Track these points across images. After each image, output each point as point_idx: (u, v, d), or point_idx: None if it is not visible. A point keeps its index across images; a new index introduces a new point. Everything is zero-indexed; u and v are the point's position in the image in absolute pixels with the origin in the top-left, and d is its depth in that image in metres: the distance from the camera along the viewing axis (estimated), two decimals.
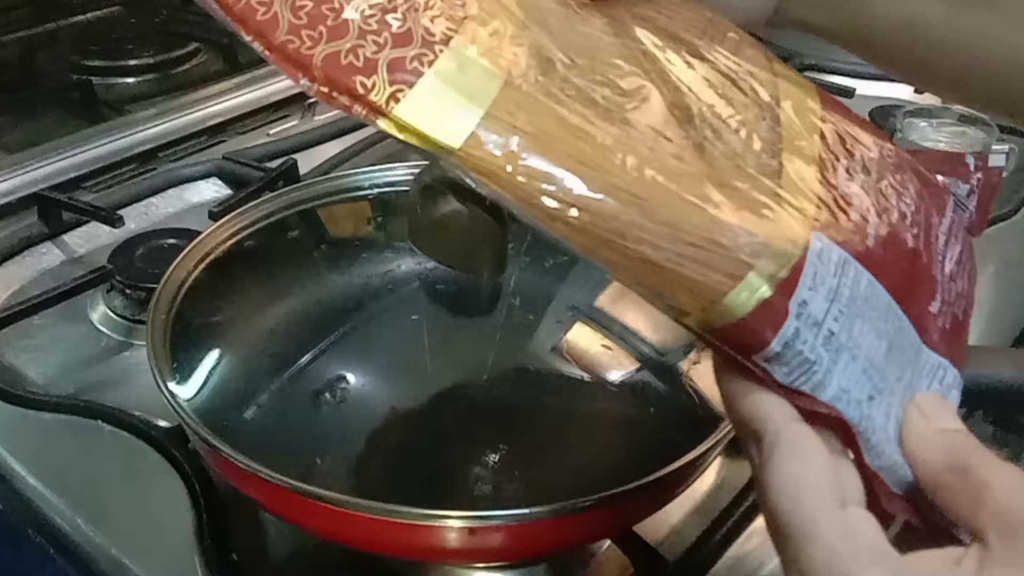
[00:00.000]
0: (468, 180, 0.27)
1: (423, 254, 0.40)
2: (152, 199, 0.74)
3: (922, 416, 0.29)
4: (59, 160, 0.75)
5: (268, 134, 0.84)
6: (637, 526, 0.44)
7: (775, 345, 0.26)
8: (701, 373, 0.49)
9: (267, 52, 0.27)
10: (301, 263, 0.57)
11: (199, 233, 0.53)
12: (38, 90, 0.90)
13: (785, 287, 0.26)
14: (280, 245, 0.56)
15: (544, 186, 0.26)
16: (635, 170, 0.27)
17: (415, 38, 0.27)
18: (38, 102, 0.88)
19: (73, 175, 0.75)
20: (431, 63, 0.27)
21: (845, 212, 0.29)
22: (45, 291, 0.60)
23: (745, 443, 0.28)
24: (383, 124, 0.27)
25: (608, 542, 0.47)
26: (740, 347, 0.27)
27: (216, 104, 0.85)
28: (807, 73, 1.01)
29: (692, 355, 0.50)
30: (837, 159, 0.31)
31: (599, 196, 0.26)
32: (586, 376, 0.51)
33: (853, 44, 0.44)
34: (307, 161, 0.76)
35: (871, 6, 0.42)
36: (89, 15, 0.97)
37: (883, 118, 0.90)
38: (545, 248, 0.52)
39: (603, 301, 0.54)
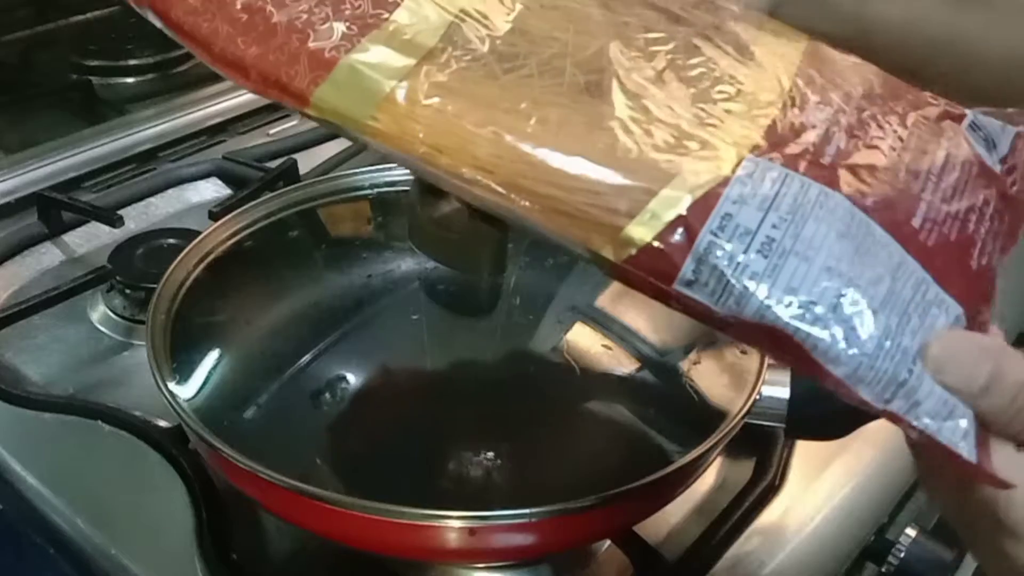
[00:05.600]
0: (382, 151, 0.30)
1: (423, 254, 0.40)
2: (152, 199, 0.74)
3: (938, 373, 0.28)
4: (59, 160, 0.75)
5: (268, 134, 0.84)
6: (637, 526, 0.44)
7: (689, 262, 0.27)
8: (701, 373, 0.49)
9: (211, 61, 0.33)
10: (301, 263, 0.57)
11: (199, 233, 0.53)
12: (38, 90, 0.90)
13: (699, 206, 0.27)
14: (280, 245, 0.56)
15: (447, 154, 0.30)
16: (537, 118, 0.30)
17: (335, 33, 0.32)
18: (38, 102, 0.88)
19: (73, 175, 0.75)
20: (348, 51, 0.31)
21: (797, 137, 0.30)
22: (45, 291, 0.60)
23: None
24: (308, 109, 0.31)
25: (608, 542, 0.47)
26: (657, 273, 0.28)
27: (216, 104, 0.85)
28: None
29: (692, 355, 0.50)
30: (806, 95, 0.32)
31: (499, 158, 0.29)
32: (586, 376, 0.51)
33: (853, 46, 0.44)
34: (307, 161, 0.76)
35: (871, 8, 0.42)
36: (89, 15, 0.97)
37: None
38: (545, 248, 0.52)
39: (603, 301, 0.54)
